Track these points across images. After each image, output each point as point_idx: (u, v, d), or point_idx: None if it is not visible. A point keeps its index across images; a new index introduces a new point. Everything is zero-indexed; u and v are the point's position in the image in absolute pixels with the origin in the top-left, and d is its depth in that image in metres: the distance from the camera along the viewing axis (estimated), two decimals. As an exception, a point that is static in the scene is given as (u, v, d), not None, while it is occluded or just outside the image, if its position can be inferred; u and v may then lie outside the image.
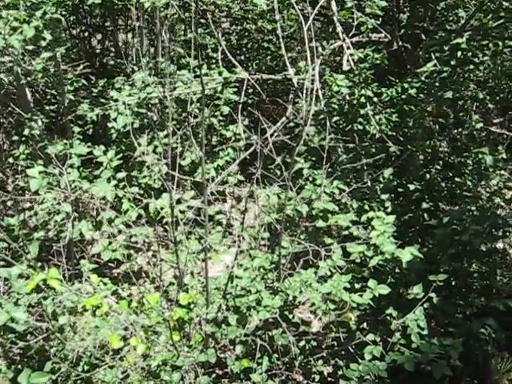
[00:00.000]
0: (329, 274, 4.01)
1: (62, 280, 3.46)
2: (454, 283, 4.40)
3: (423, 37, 6.31)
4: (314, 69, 5.65)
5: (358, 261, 4.12)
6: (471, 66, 4.70)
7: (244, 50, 7.31)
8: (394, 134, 5.30)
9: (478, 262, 4.31)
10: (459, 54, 4.68)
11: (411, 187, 5.34)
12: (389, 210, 5.02)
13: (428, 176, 5.78)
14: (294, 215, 4.28)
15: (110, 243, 4.55)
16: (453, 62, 4.87)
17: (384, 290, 3.90)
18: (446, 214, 4.37)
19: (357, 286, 4.07)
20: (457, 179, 5.80)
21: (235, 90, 5.93)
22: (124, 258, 4.69)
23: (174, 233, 4.23)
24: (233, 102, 6.24)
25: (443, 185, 5.78)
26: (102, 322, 3.47)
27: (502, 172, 5.77)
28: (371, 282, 3.92)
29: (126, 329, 3.66)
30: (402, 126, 5.44)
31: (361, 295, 3.85)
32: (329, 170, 4.47)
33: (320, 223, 4.26)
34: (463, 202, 5.52)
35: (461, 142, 6.13)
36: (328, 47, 5.45)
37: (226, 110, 6.21)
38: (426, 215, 5.15)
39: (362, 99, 5.28)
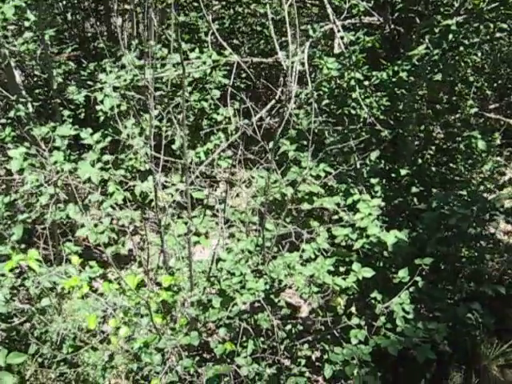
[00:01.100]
0: (313, 257, 3.97)
1: (42, 261, 3.43)
2: (442, 268, 4.35)
3: (417, 20, 6.22)
4: (303, 51, 5.60)
5: (344, 244, 4.08)
6: (462, 49, 4.61)
7: (237, 33, 7.23)
8: (385, 118, 5.24)
9: (466, 246, 4.26)
10: (450, 36, 4.60)
11: (402, 172, 5.29)
12: (378, 194, 4.98)
13: (420, 161, 5.74)
14: (278, 198, 4.23)
15: (95, 225, 4.52)
16: (444, 45, 4.79)
17: (368, 273, 3.86)
18: (434, 198, 4.31)
19: (342, 269, 4.03)
20: (450, 164, 5.74)
21: (225, 73, 5.86)
22: (111, 240, 4.67)
23: (158, 216, 4.20)
24: (224, 86, 6.18)
25: (434, 170, 5.73)
26: (82, 304, 3.44)
27: (498, 158, 5.72)
28: (355, 265, 3.88)
29: (105, 310, 3.63)
30: (393, 110, 5.38)
31: (344, 278, 3.81)
32: (317, 153, 4.43)
33: (305, 206, 4.22)
34: (454, 187, 5.47)
35: (455, 127, 6.07)
36: (318, 30, 5.37)
37: (216, 93, 6.16)
38: (416, 200, 5.10)
39: (352, 82, 5.22)
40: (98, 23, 8.03)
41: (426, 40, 5.04)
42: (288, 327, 4.45)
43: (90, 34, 7.78)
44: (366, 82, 5.44)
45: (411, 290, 4.05)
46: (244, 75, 6.91)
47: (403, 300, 3.99)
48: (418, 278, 3.98)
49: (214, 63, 5.49)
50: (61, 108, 5.71)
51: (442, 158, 5.95)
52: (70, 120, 5.55)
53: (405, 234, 4.37)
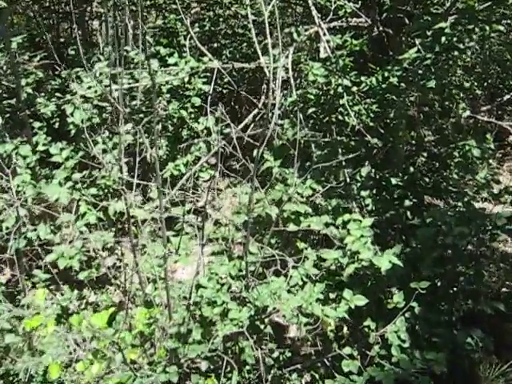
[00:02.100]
0: (301, 283, 3.67)
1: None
2: (438, 286, 4.06)
3: (407, 21, 5.93)
4: (287, 56, 5.29)
5: (334, 268, 3.78)
6: (456, 53, 4.32)
7: (218, 36, 6.88)
8: (375, 125, 4.95)
9: (464, 266, 3.98)
10: (443, 39, 4.31)
11: (393, 181, 5.01)
12: (369, 207, 4.69)
13: (412, 169, 5.45)
14: (263, 218, 3.92)
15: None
16: (437, 49, 4.50)
17: (361, 301, 3.56)
18: (429, 214, 4.02)
19: (332, 295, 3.73)
20: (442, 172, 5.46)
21: (205, 80, 5.53)
22: (83, 265, 4.34)
23: (131, 239, 3.88)
24: (204, 93, 5.86)
25: (427, 179, 5.45)
26: (46, 345, 3.11)
27: (490, 161, 5.44)
28: (346, 293, 3.58)
29: (74, 351, 3.30)
30: (382, 117, 5.08)
31: (335, 308, 3.51)
32: (304, 167, 4.13)
33: (292, 227, 3.91)
34: (448, 197, 5.20)
35: (447, 132, 5.79)
36: (303, 33, 5.06)
37: (197, 101, 5.82)
38: (409, 213, 4.81)
39: (340, 89, 4.92)
40: (73, 27, 7.65)
41: (417, 43, 4.75)
42: (275, 354, 4.15)
43: (63, 40, 7.40)
44: (355, 88, 5.15)
45: (407, 315, 3.77)
46: (226, 80, 6.58)
47: (398, 327, 3.71)
48: (414, 304, 3.70)
49: (192, 70, 5.17)
50: (31, 120, 5.36)
51: (434, 165, 5.68)
52: (42, 132, 5.21)
53: (398, 250, 4.10)
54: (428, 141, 5.92)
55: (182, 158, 5.61)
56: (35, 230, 4.38)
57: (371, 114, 5.09)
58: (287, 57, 5.29)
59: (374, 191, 5.00)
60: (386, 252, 3.60)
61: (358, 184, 4.27)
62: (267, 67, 5.26)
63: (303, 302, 3.41)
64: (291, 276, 3.58)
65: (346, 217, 3.80)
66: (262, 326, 4.02)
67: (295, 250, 4.02)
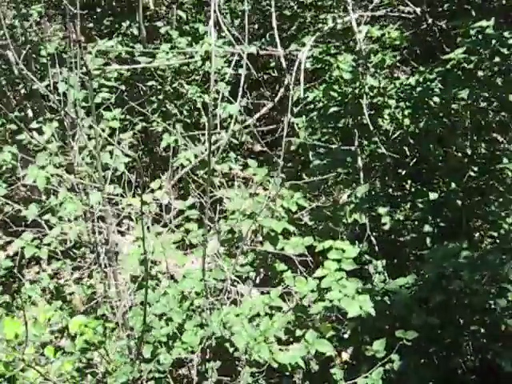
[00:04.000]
0: (263, 314, 3.16)
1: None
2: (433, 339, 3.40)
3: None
4: (315, 46, 4.71)
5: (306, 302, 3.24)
6: (497, 59, 3.54)
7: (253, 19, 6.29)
8: (402, 133, 4.29)
9: (468, 320, 3.27)
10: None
11: (432, 196, 4.32)
12: (387, 227, 4.07)
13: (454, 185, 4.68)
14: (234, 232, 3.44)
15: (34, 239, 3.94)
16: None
17: (324, 347, 3.00)
18: (430, 254, 3.35)
19: (299, 332, 3.19)
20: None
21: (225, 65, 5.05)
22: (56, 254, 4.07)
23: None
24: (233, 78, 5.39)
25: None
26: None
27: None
28: (310, 335, 3.03)
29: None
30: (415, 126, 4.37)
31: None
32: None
33: (267, 246, 3.38)
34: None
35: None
36: (330, 22, 4.43)
37: (222, 86, 5.34)
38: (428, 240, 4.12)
39: (366, 89, 4.28)
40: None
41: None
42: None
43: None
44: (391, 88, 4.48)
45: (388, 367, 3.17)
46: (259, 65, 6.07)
47: (374, 380, 3.11)
48: (394, 356, 3.09)
49: (206, 54, 4.71)
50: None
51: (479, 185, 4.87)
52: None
53: (403, 282, 3.50)
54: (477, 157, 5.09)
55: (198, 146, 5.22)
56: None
57: (405, 120, 4.43)
58: (315, 47, 4.71)
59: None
60: (361, 295, 2.98)
61: (352, 206, 3.63)
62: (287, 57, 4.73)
63: (249, 340, 2.90)
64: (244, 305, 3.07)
65: (328, 243, 3.21)
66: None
67: (273, 271, 3.50)
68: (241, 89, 3.29)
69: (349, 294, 3.00)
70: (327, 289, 3.01)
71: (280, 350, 2.97)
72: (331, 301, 2.99)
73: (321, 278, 3.08)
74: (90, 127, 4.28)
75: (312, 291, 3.12)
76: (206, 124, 4.37)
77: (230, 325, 3.02)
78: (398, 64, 6.26)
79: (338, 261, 3.13)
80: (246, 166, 4.64)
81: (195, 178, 4.63)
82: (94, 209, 3.80)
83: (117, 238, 4.77)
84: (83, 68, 3.43)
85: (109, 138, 3.86)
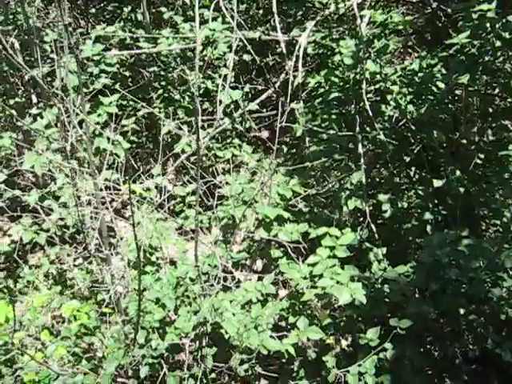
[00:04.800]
0: (255, 300, 3.14)
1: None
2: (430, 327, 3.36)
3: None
4: (317, 31, 4.64)
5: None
6: (499, 43, 3.45)
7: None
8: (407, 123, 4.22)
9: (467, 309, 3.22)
10: (488, 25, 3.48)
11: (436, 183, 4.25)
12: (387, 214, 4.02)
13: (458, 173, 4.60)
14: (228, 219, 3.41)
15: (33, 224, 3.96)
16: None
17: (314, 334, 2.98)
18: (427, 241, 3.30)
19: (292, 319, 3.17)
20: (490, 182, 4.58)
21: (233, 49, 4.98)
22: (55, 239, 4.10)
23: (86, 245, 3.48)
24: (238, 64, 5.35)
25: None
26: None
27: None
28: (301, 322, 3.01)
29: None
30: (418, 111, 4.30)
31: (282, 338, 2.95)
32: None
33: (261, 233, 3.36)
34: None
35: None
36: (333, 7, 4.35)
37: (224, 71, 5.30)
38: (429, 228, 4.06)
39: (367, 74, 4.21)
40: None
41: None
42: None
43: None
44: (394, 75, 4.41)
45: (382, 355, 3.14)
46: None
47: (367, 369, 3.08)
48: (388, 345, 3.06)
49: (207, 39, 4.66)
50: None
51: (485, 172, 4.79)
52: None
53: (403, 270, 3.46)
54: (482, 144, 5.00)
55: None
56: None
57: (408, 106, 4.36)
58: (317, 31, 4.64)
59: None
60: (354, 283, 2.95)
61: (347, 192, 3.58)
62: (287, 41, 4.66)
63: (239, 327, 2.89)
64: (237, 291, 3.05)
65: (322, 230, 3.18)
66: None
67: (268, 258, 3.48)
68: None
69: (342, 281, 2.96)
70: (319, 276, 2.98)
71: (271, 337, 2.95)
72: (323, 288, 2.96)
73: (314, 265, 3.05)
74: (89, 113, 4.33)
75: (304, 278, 3.09)
76: (194, 107, 4.31)
77: (221, 311, 3.01)
78: (409, 50, 6.17)
79: (332, 248, 3.10)
80: (252, 153, 4.63)
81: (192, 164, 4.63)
82: (88, 194, 3.81)
83: (119, 224, 4.79)
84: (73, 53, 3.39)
85: (95, 126, 3.86)
